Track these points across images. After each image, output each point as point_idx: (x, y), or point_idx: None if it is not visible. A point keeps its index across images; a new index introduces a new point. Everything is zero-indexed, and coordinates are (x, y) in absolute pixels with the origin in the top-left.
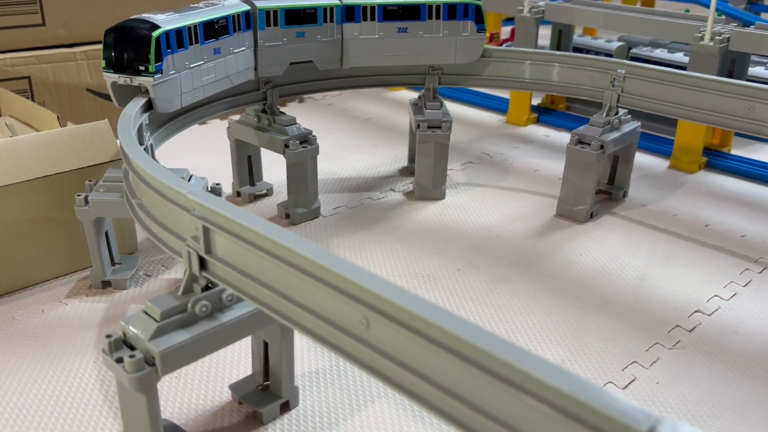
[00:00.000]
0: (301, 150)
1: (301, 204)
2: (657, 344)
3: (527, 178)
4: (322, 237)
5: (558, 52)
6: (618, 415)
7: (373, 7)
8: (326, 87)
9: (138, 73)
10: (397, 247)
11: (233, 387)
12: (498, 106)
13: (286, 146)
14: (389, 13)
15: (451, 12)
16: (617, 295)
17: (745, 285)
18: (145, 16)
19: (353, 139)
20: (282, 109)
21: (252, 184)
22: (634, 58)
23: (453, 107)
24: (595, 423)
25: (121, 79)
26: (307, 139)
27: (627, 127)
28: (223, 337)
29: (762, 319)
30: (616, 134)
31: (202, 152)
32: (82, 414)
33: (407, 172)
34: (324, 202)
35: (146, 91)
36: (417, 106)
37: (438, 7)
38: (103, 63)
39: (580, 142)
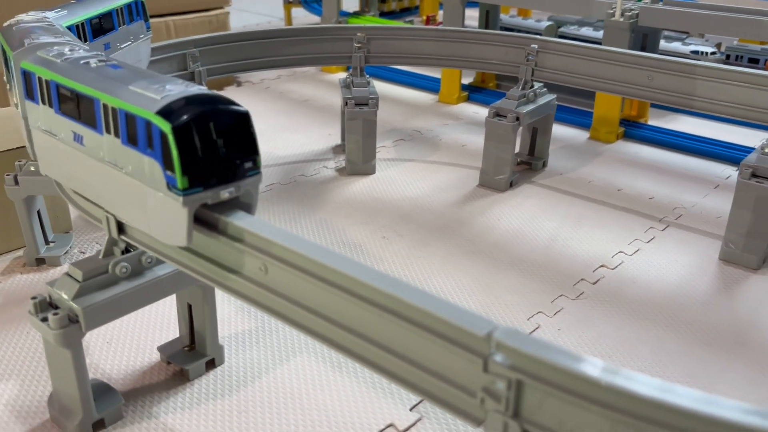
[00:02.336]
0: None
1: None
2: (562, 296)
3: (455, 153)
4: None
5: (476, 29)
6: (462, 323)
7: (83, 24)
8: (253, 66)
9: (243, 174)
10: (326, 219)
11: (161, 348)
12: (431, 85)
13: None
14: (96, 29)
15: (130, 14)
16: (529, 254)
17: (648, 241)
18: (149, 89)
19: (289, 120)
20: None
21: None
22: (562, 36)
23: (388, 87)
24: (444, 332)
25: (224, 193)
26: None
27: (543, 100)
28: (144, 296)
29: (658, 271)
30: (531, 107)
31: None
32: (15, 379)
33: (340, 149)
34: None
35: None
36: (346, 85)
37: (121, 10)
38: (184, 182)
39: (497, 114)
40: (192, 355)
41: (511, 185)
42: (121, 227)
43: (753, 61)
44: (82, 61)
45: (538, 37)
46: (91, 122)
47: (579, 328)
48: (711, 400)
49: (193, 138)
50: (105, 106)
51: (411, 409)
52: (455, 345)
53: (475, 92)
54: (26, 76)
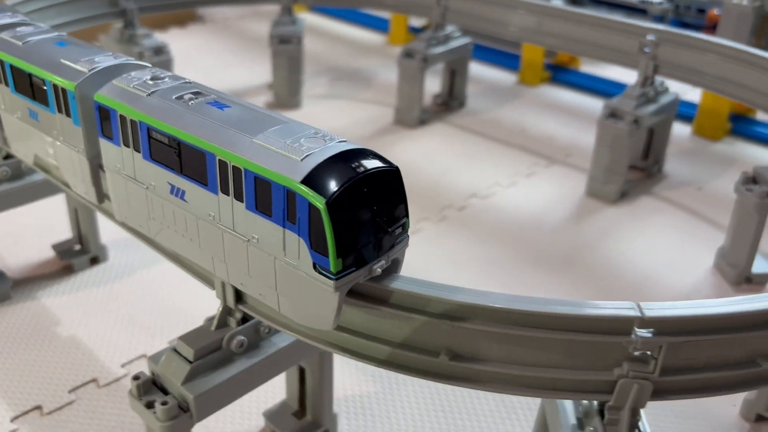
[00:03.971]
0: (155, 60)
1: None
2: (425, 219)
3: (384, 92)
4: None
5: None
6: None
7: None
8: (184, 4)
9: (393, 242)
10: None
11: (55, 246)
12: (384, 26)
13: (141, 57)
14: None
15: None
16: (416, 185)
17: (527, 176)
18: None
19: (237, 57)
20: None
21: None
22: None
23: (340, 27)
24: None
25: (376, 269)
26: (161, 51)
27: (456, 43)
28: (20, 197)
29: (523, 201)
30: (441, 48)
31: None
32: None
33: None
34: None
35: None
36: (275, 23)
37: None
38: (338, 265)
39: (407, 55)
40: (78, 252)
41: (423, 123)
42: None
43: (701, 11)
44: (174, 96)
45: None
46: (198, 178)
47: (430, 245)
48: None
49: (350, 213)
50: (222, 163)
51: None
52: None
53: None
54: (102, 112)
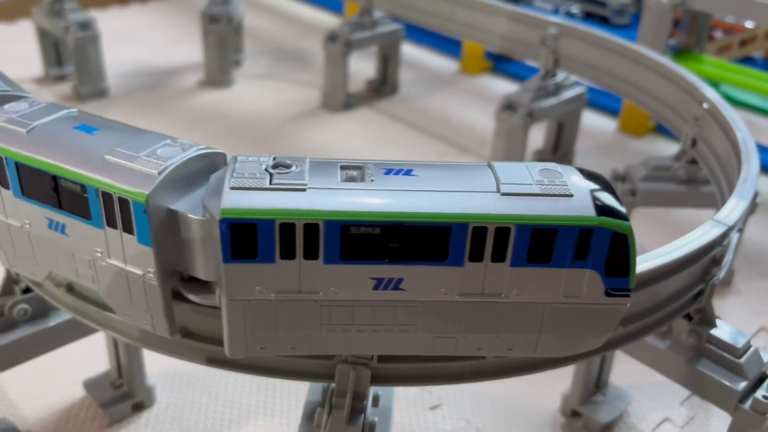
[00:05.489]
0: (81, 35)
1: (86, 82)
2: None
3: (319, 74)
4: (102, 113)
5: None
6: None
7: None
8: None
9: None
10: (160, 122)
11: None
12: (339, 8)
13: (67, 31)
14: None
15: None
16: None
17: None
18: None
19: (186, 33)
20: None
21: (59, 65)
22: None
23: (299, 8)
24: None
25: None
26: (87, 26)
27: (383, 29)
28: None
29: None
30: (366, 34)
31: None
32: None
33: None
34: (119, 85)
35: None
36: (211, 2)
37: None
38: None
39: (331, 38)
40: None
41: (350, 107)
42: None
43: None
44: (332, 177)
45: None
46: (432, 257)
47: None
48: None
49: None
50: (478, 230)
51: None
52: None
53: None
54: (243, 230)
